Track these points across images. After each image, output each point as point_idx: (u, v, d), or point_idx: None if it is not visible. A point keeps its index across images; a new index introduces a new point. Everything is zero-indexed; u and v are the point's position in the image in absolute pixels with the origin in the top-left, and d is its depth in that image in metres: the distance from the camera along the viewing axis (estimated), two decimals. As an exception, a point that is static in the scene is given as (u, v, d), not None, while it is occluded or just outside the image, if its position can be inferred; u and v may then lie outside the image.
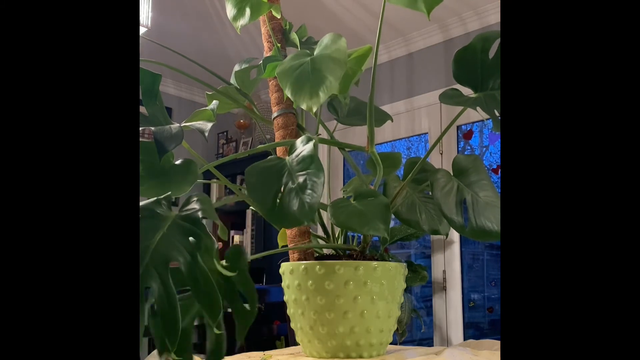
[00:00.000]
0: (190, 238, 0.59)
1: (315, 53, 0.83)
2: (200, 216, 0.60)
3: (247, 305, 0.69)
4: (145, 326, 0.54)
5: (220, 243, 0.67)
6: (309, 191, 0.69)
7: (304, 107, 0.76)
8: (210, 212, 0.61)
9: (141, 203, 0.60)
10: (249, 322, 0.66)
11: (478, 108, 0.85)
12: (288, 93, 0.78)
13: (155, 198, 0.62)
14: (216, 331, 0.61)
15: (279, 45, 1.00)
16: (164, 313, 0.53)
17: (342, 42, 0.80)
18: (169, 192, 0.64)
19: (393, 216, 0.85)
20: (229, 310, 0.69)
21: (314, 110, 0.75)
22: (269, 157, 0.77)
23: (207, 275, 0.55)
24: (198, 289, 0.55)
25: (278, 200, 0.71)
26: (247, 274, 0.67)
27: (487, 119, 2.85)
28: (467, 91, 0.89)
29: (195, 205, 0.62)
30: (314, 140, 0.75)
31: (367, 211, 0.77)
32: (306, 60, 0.81)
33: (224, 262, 0.70)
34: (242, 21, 0.97)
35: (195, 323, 0.67)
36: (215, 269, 0.65)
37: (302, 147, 0.75)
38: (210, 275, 0.55)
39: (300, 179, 0.70)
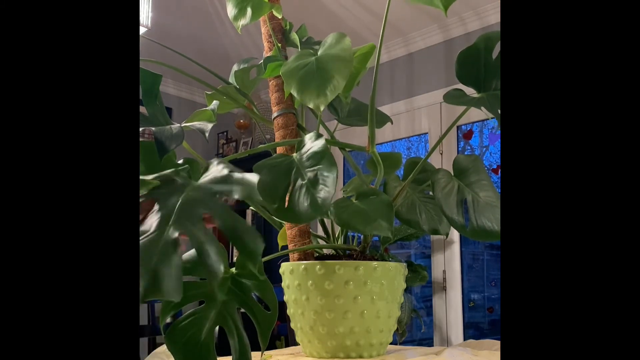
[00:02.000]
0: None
1: (319, 52, 0.82)
2: (227, 172, 0.56)
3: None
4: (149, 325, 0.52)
5: (221, 244, 0.65)
6: (320, 186, 0.68)
7: (311, 106, 0.75)
8: (236, 169, 0.58)
9: (158, 173, 0.57)
10: (271, 327, 0.65)
11: (482, 108, 0.85)
12: (294, 92, 0.78)
13: (173, 169, 0.59)
14: (260, 277, 0.58)
15: (279, 45, 1.00)
16: (202, 249, 0.50)
17: (346, 41, 0.80)
18: (187, 166, 0.62)
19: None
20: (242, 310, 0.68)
21: (322, 109, 0.74)
22: (275, 155, 0.77)
23: (243, 221, 0.52)
24: (236, 235, 0.52)
25: (288, 198, 0.70)
26: (264, 277, 0.67)
27: (488, 119, 2.85)
28: (469, 91, 0.89)
29: (218, 167, 0.58)
30: (324, 137, 0.75)
31: (370, 210, 0.77)
32: (311, 59, 0.81)
33: (233, 270, 0.69)
34: (244, 21, 0.97)
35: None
36: (229, 271, 0.63)
37: (312, 144, 0.74)
38: (244, 221, 0.52)
39: (310, 175, 0.70)
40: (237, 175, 0.55)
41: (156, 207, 0.52)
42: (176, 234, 0.49)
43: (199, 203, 0.53)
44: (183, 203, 0.53)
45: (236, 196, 0.53)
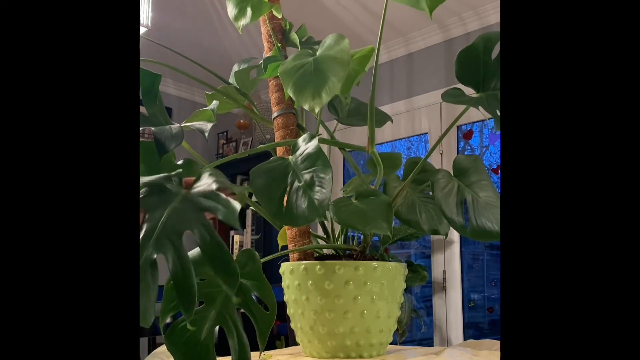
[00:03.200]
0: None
1: (318, 53, 0.82)
2: (215, 187, 0.57)
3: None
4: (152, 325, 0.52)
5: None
6: (317, 188, 0.68)
7: (306, 107, 0.76)
8: (224, 182, 0.58)
9: (149, 177, 0.58)
10: (269, 326, 0.66)
11: (480, 107, 0.85)
12: (290, 93, 0.78)
13: (164, 174, 0.60)
14: (234, 300, 0.59)
15: (279, 45, 1.00)
16: (178, 280, 0.51)
17: (345, 43, 0.80)
18: (179, 170, 0.62)
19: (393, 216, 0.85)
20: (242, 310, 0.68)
21: (316, 110, 0.74)
22: (271, 158, 0.77)
23: (222, 245, 0.53)
24: (214, 259, 0.53)
25: (285, 201, 0.71)
26: (263, 277, 0.67)
27: (487, 119, 2.85)
28: (469, 91, 0.89)
29: (208, 180, 0.59)
30: (317, 137, 0.75)
31: (369, 210, 0.77)
32: (309, 60, 0.81)
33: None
34: (244, 21, 0.97)
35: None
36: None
37: (306, 145, 0.75)
38: (225, 244, 0.54)
39: (307, 177, 0.70)
40: (224, 197, 0.56)
41: (145, 217, 0.53)
42: (154, 256, 0.51)
43: (184, 219, 0.54)
44: (168, 217, 0.54)
45: (220, 217, 0.54)
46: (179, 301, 0.51)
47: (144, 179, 0.57)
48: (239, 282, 0.54)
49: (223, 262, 0.53)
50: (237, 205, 0.54)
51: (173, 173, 0.60)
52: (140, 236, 0.51)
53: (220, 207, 0.55)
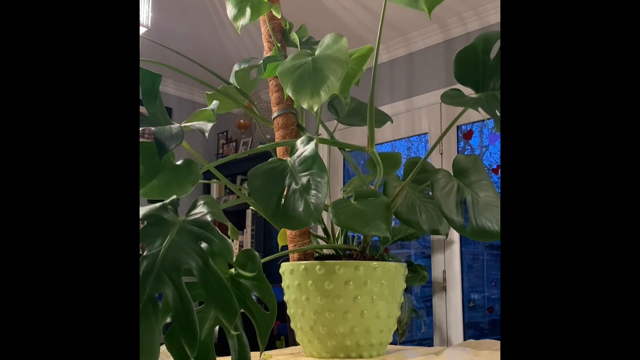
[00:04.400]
0: (203, 243, 0.58)
1: (316, 53, 0.82)
2: (209, 219, 0.59)
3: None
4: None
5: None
6: (313, 192, 0.69)
7: (305, 106, 0.76)
8: (219, 214, 0.61)
9: (146, 209, 0.59)
10: (270, 326, 0.66)
11: (479, 108, 0.85)
12: (289, 92, 0.78)
13: (160, 203, 0.61)
14: (233, 332, 0.60)
15: (279, 45, 1.00)
16: (180, 318, 0.52)
17: (343, 42, 0.80)
18: (174, 196, 0.63)
19: (393, 216, 0.85)
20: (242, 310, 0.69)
21: (315, 109, 0.75)
22: (270, 159, 0.77)
23: (221, 279, 0.54)
24: (212, 293, 0.54)
25: (282, 202, 0.71)
26: (263, 277, 0.67)
27: (487, 119, 2.84)
28: (468, 91, 0.89)
29: (202, 209, 0.61)
30: (314, 140, 0.75)
31: (368, 211, 0.77)
32: (307, 60, 0.81)
33: (232, 271, 0.69)
34: (243, 21, 0.97)
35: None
36: (228, 272, 0.65)
37: (304, 148, 0.75)
38: (224, 278, 0.55)
39: (304, 180, 0.70)
40: (219, 232, 0.58)
41: (144, 253, 0.54)
42: (155, 295, 0.51)
43: (182, 251, 0.55)
44: (167, 251, 0.55)
45: (215, 250, 0.57)
46: (182, 337, 0.51)
47: (140, 211, 0.58)
48: (237, 316, 0.56)
49: (222, 297, 0.54)
50: (232, 245, 0.57)
51: (167, 201, 0.61)
52: (140, 273, 0.52)
53: (215, 241, 0.57)
